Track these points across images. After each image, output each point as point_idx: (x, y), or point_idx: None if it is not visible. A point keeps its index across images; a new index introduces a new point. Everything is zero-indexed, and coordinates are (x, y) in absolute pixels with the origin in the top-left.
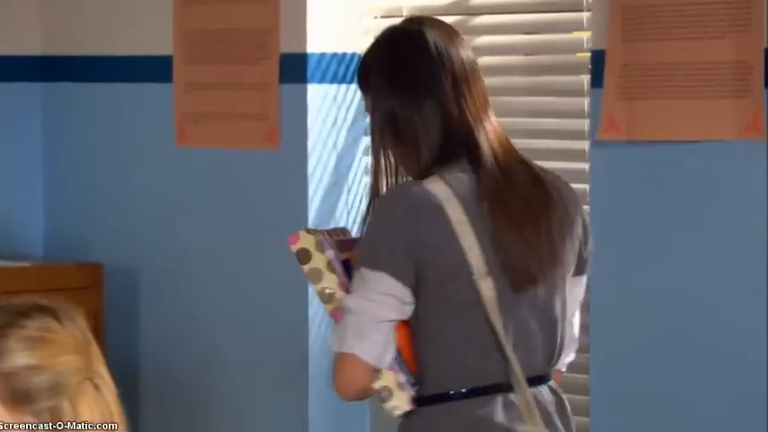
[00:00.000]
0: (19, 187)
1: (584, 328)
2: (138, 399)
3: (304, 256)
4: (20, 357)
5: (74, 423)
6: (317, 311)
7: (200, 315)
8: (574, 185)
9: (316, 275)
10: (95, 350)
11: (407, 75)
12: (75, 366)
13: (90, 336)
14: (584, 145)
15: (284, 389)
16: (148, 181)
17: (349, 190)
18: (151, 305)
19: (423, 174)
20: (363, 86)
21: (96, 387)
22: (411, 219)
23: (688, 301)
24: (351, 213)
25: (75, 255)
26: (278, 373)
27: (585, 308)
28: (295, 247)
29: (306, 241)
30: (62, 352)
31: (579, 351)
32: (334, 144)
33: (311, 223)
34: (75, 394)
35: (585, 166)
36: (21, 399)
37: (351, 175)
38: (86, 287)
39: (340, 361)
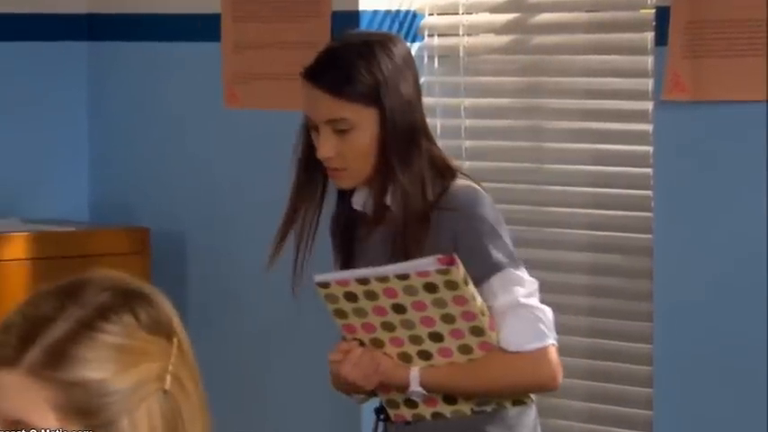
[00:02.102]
0: (64, 151)
1: (647, 295)
2: None
3: (449, 285)
4: (90, 369)
5: None
6: None
7: (248, 281)
8: (636, 147)
9: (469, 296)
10: (178, 344)
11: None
12: (149, 377)
13: (174, 325)
14: (648, 105)
15: (321, 365)
16: (196, 144)
17: None
18: (198, 271)
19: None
20: (355, 97)
21: (167, 394)
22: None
23: (753, 264)
24: None
25: (122, 220)
26: (325, 344)
27: (649, 275)
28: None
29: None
30: (137, 362)
31: (641, 319)
32: None
33: None
34: (136, 408)
35: (649, 127)
36: (78, 412)
37: None
38: (133, 252)
39: (545, 353)
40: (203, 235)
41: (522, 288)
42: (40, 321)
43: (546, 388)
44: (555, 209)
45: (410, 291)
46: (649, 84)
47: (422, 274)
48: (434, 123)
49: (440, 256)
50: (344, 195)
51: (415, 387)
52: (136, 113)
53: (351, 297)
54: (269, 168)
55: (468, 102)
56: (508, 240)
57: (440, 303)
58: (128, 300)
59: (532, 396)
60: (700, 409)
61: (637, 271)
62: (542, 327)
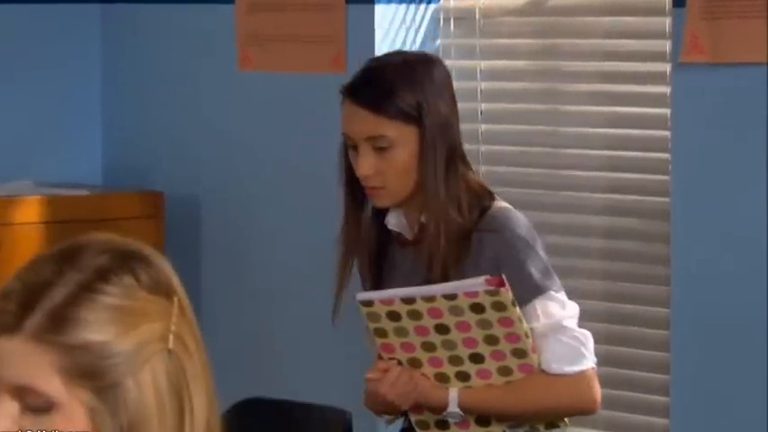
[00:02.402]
0: (77, 113)
1: (664, 259)
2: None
3: (497, 306)
4: (92, 332)
5: (136, 401)
6: None
7: (264, 246)
8: (654, 110)
9: (516, 317)
10: (179, 304)
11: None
12: (152, 336)
13: (174, 285)
14: (666, 67)
15: (351, 326)
16: (210, 107)
17: None
18: (213, 235)
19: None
20: (396, 114)
21: (171, 353)
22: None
23: None
24: None
25: (135, 183)
26: (344, 310)
27: (666, 238)
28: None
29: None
30: (139, 322)
31: (658, 283)
32: None
33: None
34: (141, 368)
35: (667, 89)
36: (83, 375)
37: None
38: (146, 216)
39: (585, 377)
40: (218, 199)
41: (564, 311)
42: (39, 287)
43: (585, 411)
44: (571, 172)
45: (456, 311)
46: (667, 45)
47: (470, 294)
48: None
49: (488, 277)
50: (375, 216)
51: (453, 408)
52: (149, 76)
53: (394, 316)
54: (283, 131)
55: (483, 64)
56: (548, 263)
57: (485, 324)
58: (127, 261)
59: (567, 420)
60: (717, 373)
61: (654, 234)
62: (583, 350)
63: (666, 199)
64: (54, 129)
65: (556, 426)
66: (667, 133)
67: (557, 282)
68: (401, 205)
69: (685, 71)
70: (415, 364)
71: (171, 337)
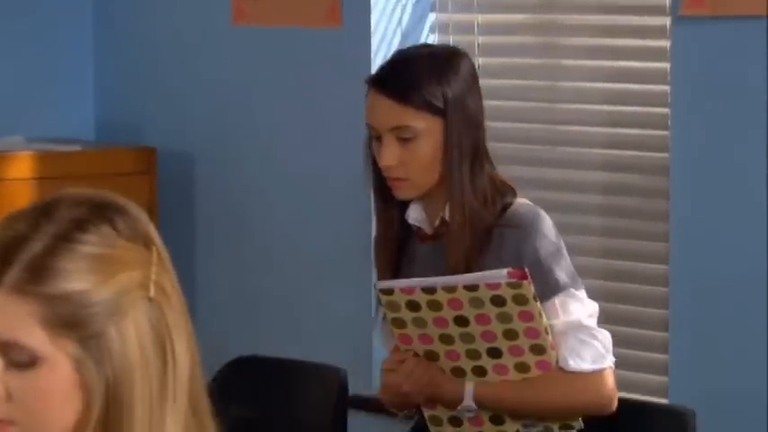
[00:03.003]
0: (69, 69)
1: (663, 215)
2: (193, 290)
3: (518, 299)
4: (71, 281)
5: (120, 350)
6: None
7: (258, 202)
8: (653, 64)
9: (536, 312)
10: (157, 253)
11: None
12: (132, 284)
13: (151, 234)
14: (666, 21)
15: (345, 280)
16: (204, 61)
17: None
18: (206, 192)
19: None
20: (422, 105)
21: (152, 301)
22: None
23: None
24: None
25: (128, 139)
26: (339, 264)
27: (665, 194)
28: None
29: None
30: (119, 270)
31: (659, 239)
32: (399, 21)
33: None
34: (123, 316)
35: (667, 43)
36: (67, 325)
37: None
38: (139, 173)
39: (603, 375)
40: (211, 154)
41: (584, 309)
42: (15, 242)
43: (601, 410)
44: (570, 127)
45: (476, 303)
46: None
47: (491, 285)
48: (447, 40)
49: (510, 269)
50: (394, 210)
51: (468, 402)
52: (143, 30)
53: (413, 306)
54: (278, 86)
55: (481, 18)
56: (569, 260)
57: (505, 318)
58: (103, 211)
59: (581, 422)
60: (716, 330)
61: (653, 190)
62: (602, 349)
63: (666, 154)
64: (46, 84)
65: (570, 427)
66: (667, 88)
67: (578, 280)
68: (423, 198)
69: (685, 24)
70: (432, 356)
71: (151, 286)
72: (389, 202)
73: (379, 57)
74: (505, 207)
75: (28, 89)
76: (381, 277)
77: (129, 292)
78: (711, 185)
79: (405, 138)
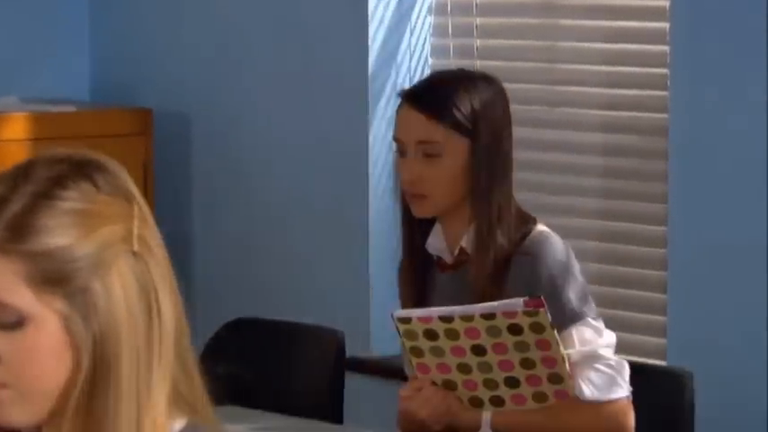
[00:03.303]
0: (65, 29)
1: (662, 176)
2: (190, 252)
3: (535, 327)
4: (53, 237)
5: (106, 304)
6: (377, 159)
7: (255, 162)
8: (652, 23)
9: (554, 341)
10: (139, 209)
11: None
12: (114, 238)
13: (132, 190)
14: None
15: (344, 244)
16: (201, 20)
17: (412, 30)
18: (203, 153)
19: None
20: (451, 123)
21: (136, 255)
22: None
23: None
24: (414, 57)
25: (124, 100)
26: (336, 229)
27: (664, 155)
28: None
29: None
30: (101, 224)
31: (657, 201)
32: None
33: (372, 65)
34: (107, 270)
35: (666, 2)
36: (52, 281)
37: (414, 15)
38: (135, 134)
39: (620, 406)
40: (208, 115)
41: (600, 339)
42: None
43: None
44: (568, 88)
45: (493, 332)
46: None
47: (508, 314)
48: (444, 0)
49: (527, 298)
50: (416, 237)
51: (485, 431)
52: None
53: (431, 335)
54: (274, 43)
55: None
56: (586, 288)
57: (522, 347)
58: (82, 168)
59: None
60: (714, 292)
61: (651, 151)
62: (618, 379)
63: (665, 115)
64: (41, 44)
65: None
66: (666, 48)
67: (593, 308)
68: (442, 224)
69: None
70: (450, 386)
71: (134, 240)
72: (413, 228)
73: (376, 17)
74: (525, 234)
75: (23, 50)
76: (404, 306)
77: (111, 245)
78: (710, 146)
79: (430, 154)
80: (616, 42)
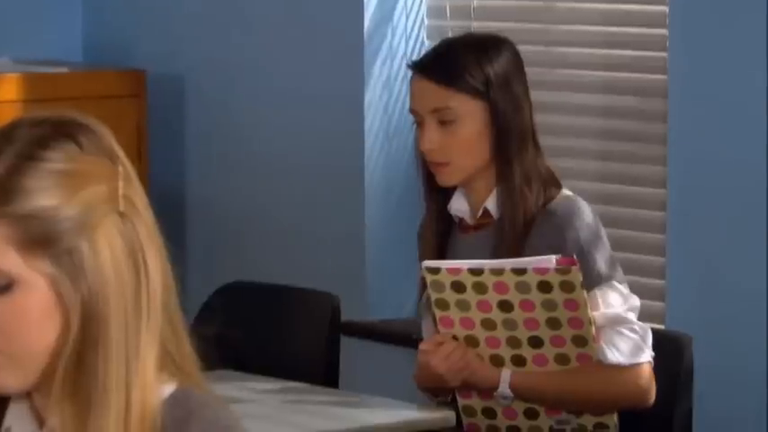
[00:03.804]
0: None
1: (662, 138)
2: (183, 216)
3: (565, 286)
4: (39, 198)
5: (93, 265)
6: (373, 122)
7: (249, 125)
8: (650, 6)
9: (582, 301)
10: (123, 169)
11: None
12: (100, 198)
13: (117, 151)
14: None
15: (339, 207)
16: None
17: None
18: (198, 116)
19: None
20: (462, 86)
21: (123, 216)
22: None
23: None
24: (410, 17)
25: (117, 61)
26: (332, 190)
27: (663, 117)
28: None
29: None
30: (85, 184)
31: (656, 163)
32: None
33: (367, 26)
34: (94, 230)
35: None
36: (39, 243)
37: None
38: (129, 96)
39: (642, 370)
40: (202, 77)
41: (624, 303)
42: None
43: (638, 404)
44: (567, 49)
45: (522, 288)
46: None
47: (540, 270)
48: None
49: (559, 256)
50: (438, 201)
51: (504, 389)
52: None
53: (458, 287)
54: (272, 5)
55: None
56: (610, 251)
57: (549, 306)
58: (65, 128)
59: (616, 420)
60: (714, 255)
61: (651, 113)
62: (642, 344)
63: (664, 76)
64: (33, 4)
65: (605, 426)
66: (665, 8)
67: (620, 273)
68: (466, 187)
69: None
70: (472, 342)
71: (120, 200)
72: (434, 193)
73: None
74: (549, 199)
75: (15, 10)
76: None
77: (97, 205)
78: (710, 107)
79: (446, 121)
80: (615, 3)
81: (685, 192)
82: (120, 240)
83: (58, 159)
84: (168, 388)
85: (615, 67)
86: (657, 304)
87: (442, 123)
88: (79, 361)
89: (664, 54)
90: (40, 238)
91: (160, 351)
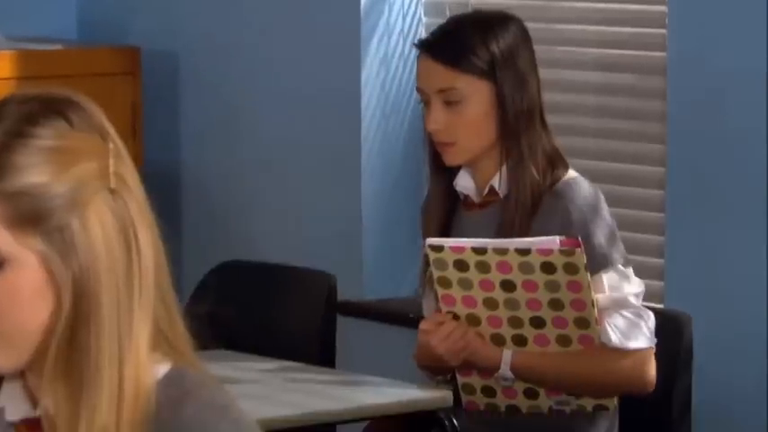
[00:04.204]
0: None
1: (661, 115)
2: (178, 194)
3: (569, 268)
4: (29, 175)
5: (84, 242)
6: (370, 100)
7: (245, 103)
8: None
9: (585, 283)
10: (114, 146)
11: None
12: (90, 175)
13: (108, 128)
14: None
15: (335, 186)
16: None
17: None
18: (193, 94)
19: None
20: (468, 67)
21: (114, 192)
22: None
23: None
24: None
25: (111, 38)
26: (328, 170)
27: (662, 94)
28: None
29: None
30: (76, 161)
31: (656, 120)
32: None
33: (364, 3)
34: (84, 207)
35: None
36: (29, 221)
37: None
38: (123, 73)
39: (645, 356)
40: (197, 54)
41: (629, 286)
42: None
43: (639, 390)
44: (565, 26)
45: (525, 268)
46: None
47: (543, 251)
48: None
49: (563, 237)
50: (444, 179)
51: (504, 370)
52: None
53: (461, 266)
54: None
55: None
56: (618, 235)
57: (552, 287)
58: (55, 105)
59: (616, 403)
60: (713, 234)
61: (649, 90)
62: (645, 328)
63: (663, 53)
64: None
65: (605, 407)
66: (663, 8)
67: (623, 253)
68: (472, 166)
69: None
70: (473, 321)
71: (111, 177)
72: (440, 171)
73: None
74: (556, 178)
75: None
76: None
77: (88, 182)
78: (709, 84)
79: (452, 101)
80: None
81: (684, 170)
82: (111, 217)
83: (47, 136)
84: (163, 368)
85: (613, 44)
86: (656, 283)
87: (448, 104)
88: (71, 339)
89: (663, 31)
90: (31, 216)
91: (153, 330)
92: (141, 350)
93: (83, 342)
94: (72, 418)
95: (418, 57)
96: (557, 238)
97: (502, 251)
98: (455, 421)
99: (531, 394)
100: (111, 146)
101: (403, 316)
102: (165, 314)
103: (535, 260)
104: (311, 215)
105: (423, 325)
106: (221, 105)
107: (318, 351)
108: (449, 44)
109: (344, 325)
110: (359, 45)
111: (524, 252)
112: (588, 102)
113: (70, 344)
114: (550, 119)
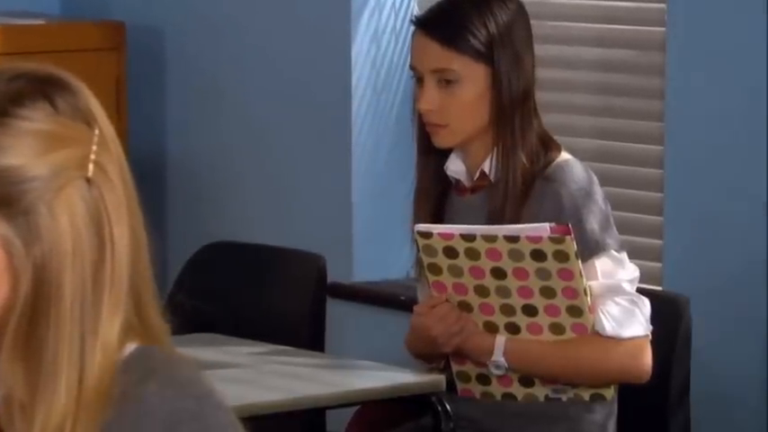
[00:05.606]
0: None
1: (660, 92)
2: (164, 172)
3: (559, 255)
4: (6, 156)
5: (49, 229)
6: (360, 77)
7: (231, 79)
8: None
9: (577, 271)
10: (100, 133)
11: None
12: (68, 163)
13: (95, 112)
14: None
15: (325, 165)
16: None
17: None
18: (178, 70)
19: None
20: (466, 49)
21: (90, 182)
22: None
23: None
24: None
25: (95, 13)
26: (317, 150)
27: (661, 71)
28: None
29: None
30: (55, 147)
31: (655, 97)
32: None
33: None
34: (55, 195)
35: None
36: None
37: None
38: (107, 48)
39: (640, 344)
40: (182, 29)
41: (624, 273)
42: None
43: (635, 379)
44: (563, 1)
45: (515, 255)
46: None
47: (533, 239)
48: None
49: (553, 224)
50: (434, 161)
51: (498, 356)
52: None
53: (450, 253)
54: None
55: None
56: (612, 220)
57: (543, 274)
58: (42, 86)
59: (614, 392)
60: (711, 216)
61: (648, 67)
62: (639, 316)
63: (662, 29)
64: None
65: (602, 397)
66: None
67: (618, 239)
68: (463, 149)
69: None
70: (465, 308)
71: (90, 166)
72: (430, 154)
73: None
74: (549, 162)
75: None
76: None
77: (64, 170)
78: (709, 60)
79: (446, 81)
80: None
81: (683, 148)
82: (83, 207)
83: (31, 118)
84: (128, 349)
85: (612, 19)
86: (655, 265)
87: (442, 84)
88: (29, 326)
89: (662, 5)
90: (1, 197)
91: (125, 322)
92: (109, 339)
93: (41, 330)
94: (30, 402)
95: (413, 34)
96: (547, 225)
97: (491, 238)
98: (448, 406)
99: (526, 382)
100: (96, 132)
101: (393, 298)
102: (141, 304)
103: (525, 247)
104: (300, 194)
105: (417, 308)
106: (207, 81)
107: (308, 334)
108: (446, 22)
109: (334, 307)
110: (349, 20)
111: (513, 239)
112: (585, 78)
113: (27, 331)
114: (547, 96)
